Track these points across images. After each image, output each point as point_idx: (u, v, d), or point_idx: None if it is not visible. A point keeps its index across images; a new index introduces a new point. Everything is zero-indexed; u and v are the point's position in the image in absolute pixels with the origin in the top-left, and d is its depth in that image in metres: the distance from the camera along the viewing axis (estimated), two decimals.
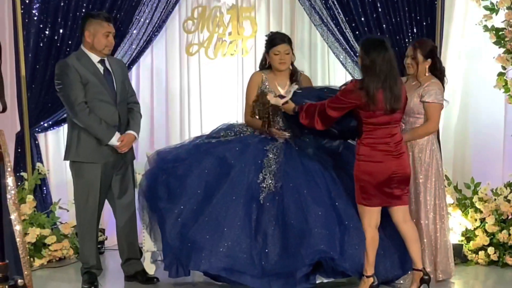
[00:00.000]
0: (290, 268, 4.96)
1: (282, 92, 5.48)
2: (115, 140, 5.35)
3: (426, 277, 5.09)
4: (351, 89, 4.91)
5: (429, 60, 5.40)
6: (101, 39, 5.36)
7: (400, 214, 5.07)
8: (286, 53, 5.47)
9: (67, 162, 6.37)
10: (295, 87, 5.38)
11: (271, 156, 5.30)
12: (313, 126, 5.03)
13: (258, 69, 5.76)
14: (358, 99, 4.85)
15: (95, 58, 5.40)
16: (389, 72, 4.87)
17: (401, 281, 5.35)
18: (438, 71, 5.45)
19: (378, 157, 4.92)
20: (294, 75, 5.57)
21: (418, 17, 6.26)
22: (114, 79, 5.45)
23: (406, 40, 6.18)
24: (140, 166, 5.70)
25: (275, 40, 5.50)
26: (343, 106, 4.91)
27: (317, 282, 5.17)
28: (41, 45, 6.45)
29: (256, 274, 4.98)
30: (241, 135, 5.50)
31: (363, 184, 4.96)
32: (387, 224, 5.14)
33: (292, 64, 5.59)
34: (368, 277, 5.02)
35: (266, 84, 5.52)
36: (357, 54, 6.35)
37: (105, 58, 5.46)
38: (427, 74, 5.42)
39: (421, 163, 5.37)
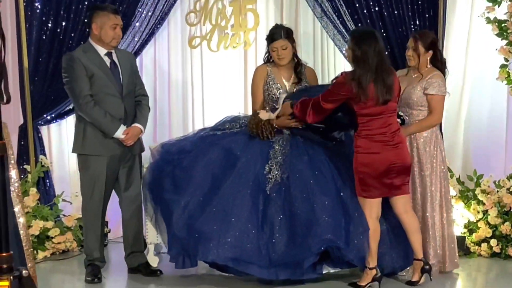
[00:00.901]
0: (297, 258, 4.98)
1: (287, 85, 5.50)
2: (120, 133, 5.36)
3: (427, 266, 5.12)
4: (342, 81, 4.93)
5: (430, 52, 5.40)
6: (108, 31, 5.36)
7: (401, 204, 5.09)
8: (283, 48, 5.46)
9: (70, 155, 6.40)
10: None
11: (277, 147, 5.31)
12: (304, 119, 5.07)
13: (262, 62, 5.75)
14: (349, 90, 4.87)
15: (102, 51, 5.41)
16: (380, 63, 4.88)
17: (404, 273, 5.36)
18: (439, 63, 5.45)
19: (376, 148, 4.94)
20: (298, 67, 5.57)
21: (420, 9, 6.24)
22: (120, 72, 5.45)
23: (409, 32, 6.16)
24: (143, 158, 5.70)
25: (271, 36, 5.50)
26: (336, 99, 4.94)
27: (324, 272, 5.20)
28: (44, 38, 6.45)
29: (264, 264, 5.01)
30: (247, 127, 5.50)
31: (362, 176, 4.98)
32: (392, 215, 5.16)
33: (296, 56, 5.58)
34: (371, 269, 5.04)
35: (272, 76, 5.52)
36: None
37: (113, 51, 5.46)
38: (428, 66, 5.42)
39: (426, 155, 5.38)
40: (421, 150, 5.38)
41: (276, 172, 5.20)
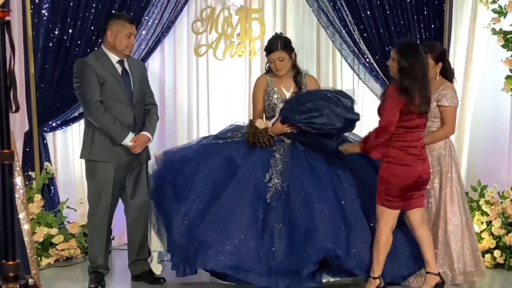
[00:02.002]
0: (296, 266, 4.98)
1: (287, 94, 5.52)
2: (128, 141, 5.37)
3: (440, 280, 5.12)
4: (393, 94, 4.87)
5: (440, 64, 5.38)
6: (122, 39, 5.37)
7: (417, 216, 5.09)
8: (280, 60, 5.46)
9: (75, 162, 6.39)
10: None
11: (278, 156, 5.33)
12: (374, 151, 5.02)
13: (265, 71, 5.76)
14: (402, 101, 4.84)
15: (114, 58, 5.42)
16: (425, 75, 4.89)
17: (406, 283, 5.35)
18: (448, 73, 5.44)
19: (408, 160, 4.93)
20: (297, 76, 5.57)
21: (426, 20, 6.26)
22: (131, 80, 5.46)
23: None
24: (148, 166, 5.71)
25: (268, 47, 5.51)
26: (394, 111, 4.86)
27: (324, 281, 5.20)
28: (50, 45, 6.46)
29: (263, 272, 5.02)
30: None
31: (390, 186, 4.96)
32: (396, 225, 5.16)
33: (295, 65, 5.59)
34: (374, 278, 5.03)
35: (272, 86, 5.54)
36: (366, 56, 6.37)
37: (125, 59, 5.47)
38: (437, 78, 5.39)
39: (441, 168, 5.36)
40: (435, 162, 5.35)
41: (277, 181, 5.22)
